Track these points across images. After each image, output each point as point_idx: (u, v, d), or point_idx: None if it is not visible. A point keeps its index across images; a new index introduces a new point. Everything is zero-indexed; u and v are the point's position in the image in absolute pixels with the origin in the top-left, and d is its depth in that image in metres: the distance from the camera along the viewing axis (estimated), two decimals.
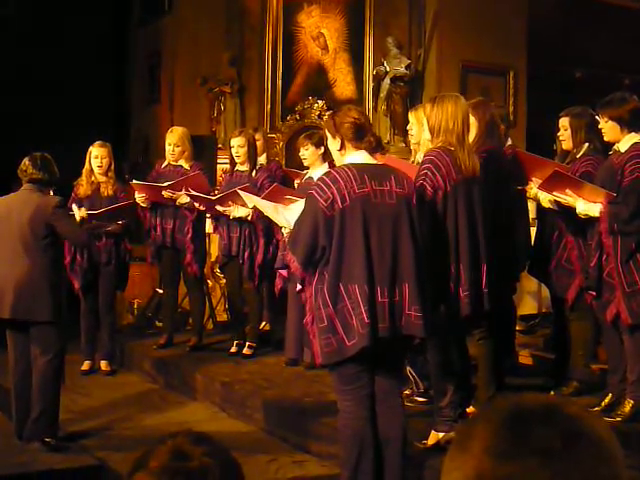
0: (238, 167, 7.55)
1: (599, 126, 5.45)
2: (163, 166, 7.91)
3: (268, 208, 5.64)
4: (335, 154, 4.53)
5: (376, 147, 4.52)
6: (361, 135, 4.43)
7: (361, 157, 4.41)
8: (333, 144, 4.49)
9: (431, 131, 4.91)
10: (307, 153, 7.00)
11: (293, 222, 4.58)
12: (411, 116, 6.02)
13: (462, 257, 4.79)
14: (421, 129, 5.48)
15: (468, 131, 5.00)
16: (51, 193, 5.89)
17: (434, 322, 4.57)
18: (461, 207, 4.81)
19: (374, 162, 4.48)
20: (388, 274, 4.25)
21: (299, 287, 6.56)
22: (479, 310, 4.88)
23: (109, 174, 7.62)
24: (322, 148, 6.99)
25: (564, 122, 6.02)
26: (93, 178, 7.58)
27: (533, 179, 5.77)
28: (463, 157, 4.82)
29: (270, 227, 7.23)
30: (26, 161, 5.78)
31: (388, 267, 4.25)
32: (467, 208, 4.82)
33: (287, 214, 4.96)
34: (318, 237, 4.22)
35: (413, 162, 6.35)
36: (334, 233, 4.21)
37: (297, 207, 4.91)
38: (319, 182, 4.33)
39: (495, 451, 1.06)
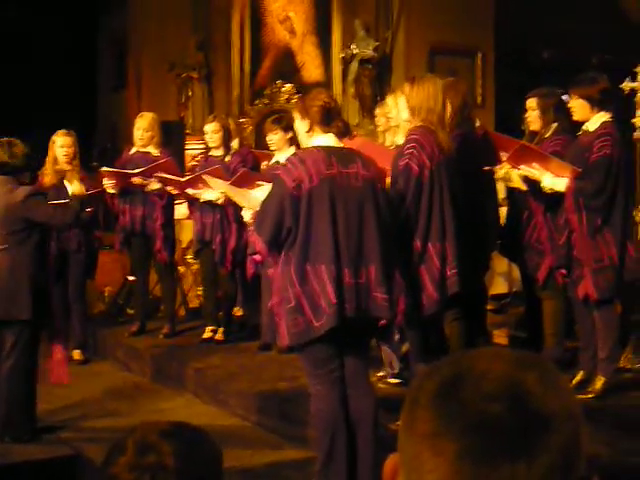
0: (213, 152, 7.55)
1: (569, 105, 5.50)
2: (131, 152, 7.86)
3: (234, 192, 5.64)
4: (302, 136, 4.55)
5: (344, 132, 4.54)
6: (330, 119, 4.44)
7: (328, 140, 4.43)
8: (301, 126, 4.50)
9: (412, 111, 4.93)
10: (275, 138, 7.00)
11: (257, 204, 4.58)
12: (390, 99, 6.05)
13: (448, 234, 4.83)
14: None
15: (446, 112, 5.05)
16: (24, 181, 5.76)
17: (416, 302, 4.61)
18: (445, 185, 4.85)
19: (341, 145, 4.50)
20: (354, 256, 4.27)
21: (272, 271, 6.57)
22: (465, 287, 4.92)
23: (74, 162, 7.55)
24: (290, 132, 6.98)
25: (531, 103, 6.06)
26: (57, 167, 7.50)
27: (503, 158, 5.80)
28: (443, 137, 4.88)
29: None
30: None
31: (354, 249, 4.28)
32: (450, 186, 4.87)
33: (252, 197, 4.96)
34: (284, 217, 4.23)
35: (391, 145, 6.36)
36: (301, 213, 4.22)
37: (263, 190, 4.92)
38: (286, 163, 4.36)
39: (472, 455, 0.93)
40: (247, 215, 4.76)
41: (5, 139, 5.70)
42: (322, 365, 4.35)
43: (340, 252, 4.24)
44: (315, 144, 4.41)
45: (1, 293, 5.54)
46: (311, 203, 4.22)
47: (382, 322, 4.45)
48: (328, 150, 4.36)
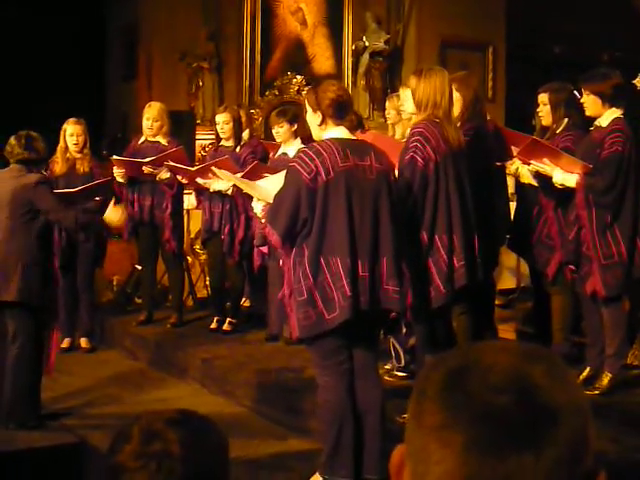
0: (223, 143, 7.55)
1: (581, 100, 5.48)
2: (140, 142, 7.86)
3: (244, 184, 5.63)
4: (314, 128, 4.51)
5: (357, 125, 4.54)
6: (343, 112, 4.43)
7: (341, 133, 4.41)
8: (313, 118, 4.46)
9: (418, 105, 4.90)
10: (282, 130, 7.00)
11: (268, 196, 4.57)
12: (403, 92, 6.04)
13: (455, 227, 4.82)
14: None
15: (452, 105, 5.02)
16: (42, 172, 5.85)
17: (423, 294, 4.61)
18: (451, 178, 4.84)
19: (354, 138, 4.50)
20: (368, 248, 4.27)
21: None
22: (473, 279, 4.91)
23: (84, 151, 7.57)
24: (295, 124, 7.00)
25: (543, 98, 6.04)
26: (68, 155, 7.52)
27: (514, 153, 5.79)
28: (450, 129, 4.86)
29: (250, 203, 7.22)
30: (12, 141, 5.70)
31: (368, 241, 4.28)
32: (456, 179, 4.86)
33: (263, 189, 4.93)
34: (300, 209, 4.22)
35: (402, 139, 6.35)
36: (317, 206, 4.21)
37: (271, 181, 4.90)
38: (301, 155, 4.32)
39: (479, 447, 0.93)
40: (258, 208, 4.72)
41: (24, 132, 5.74)
42: (331, 356, 4.36)
43: (355, 245, 4.24)
44: (328, 137, 4.39)
45: None
46: (327, 196, 4.22)
47: (393, 315, 4.45)
48: (343, 142, 4.35)
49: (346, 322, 4.21)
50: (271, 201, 4.45)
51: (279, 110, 7.42)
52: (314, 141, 4.58)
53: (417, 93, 4.90)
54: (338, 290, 4.19)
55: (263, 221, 4.66)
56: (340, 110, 4.41)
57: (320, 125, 4.44)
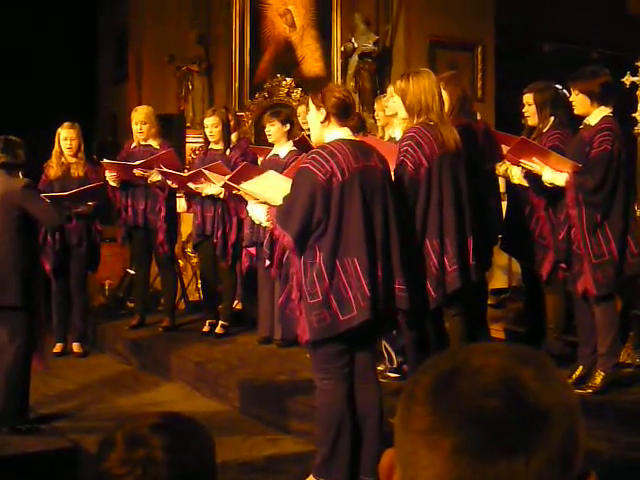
0: (212, 146, 7.54)
1: (570, 99, 5.48)
2: (132, 146, 7.86)
3: (239, 186, 5.62)
4: (316, 126, 4.45)
5: (359, 128, 4.54)
6: (347, 114, 4.43)
7: (345, 134, 4.40)
8: (316, 115, 4.42)
9: (409, 109, 4.87)
10: (273, 129, 7.01)
11: (270, 199, 4.54)
12: (390, 92, 6.04)
13: (448, 231, 4.81)
14: None
15: (443, 105, 5.01)
16: (20, 176, 5.85)
17: (414, 297, 4.61)
18: (446, 181, 4.83)
19: (357, 139, 4.51)
20: (381, 248, 4.28)
21: (267, 263, 6.55)
22: (467, 282, 4.90)
23: (79, 155, 7.59)
24: (288, 125, 7.01)
25: (528, 98, 6.05)
26: (63, 159, 7.53)
27: (504, 152, 5.80)
28: (445, 132, 4.83)
29: (242, 206, 7.22)
30: None
31: (381, 241, 4.29)
32: (452, 182, 4.85)
33: (258, 193, 4.88)
34: (314, 211, 4.19)
35: (391, 140, 6.34)
36: (332, 207, 4.20)
37: (258, 183, 4.88)
38: (315, 156, 4.27)
39: (469, 451, 0.92)
40: (258, 211, 4.62)
41: (2, 137, 5.75)
42: (334, 360, 4.34)
43: (372, 245, 4.24)
44: (333, 137, 4.37)
45: None
46: (343, 197, 4.21)
47: (399, 314, 4.47)
48: (351, 143, 4.35)
49: (366, 322, 4.19)
50: (274, 203, 4.42)
51: (272, 111, 7.47)
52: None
53: (407, 98, 4.86)
54: (356, 290, 4.17)
55: (268, 224, 4.57)
56: (344, 111, 4.40)
57: (323, 122, 4.40)
